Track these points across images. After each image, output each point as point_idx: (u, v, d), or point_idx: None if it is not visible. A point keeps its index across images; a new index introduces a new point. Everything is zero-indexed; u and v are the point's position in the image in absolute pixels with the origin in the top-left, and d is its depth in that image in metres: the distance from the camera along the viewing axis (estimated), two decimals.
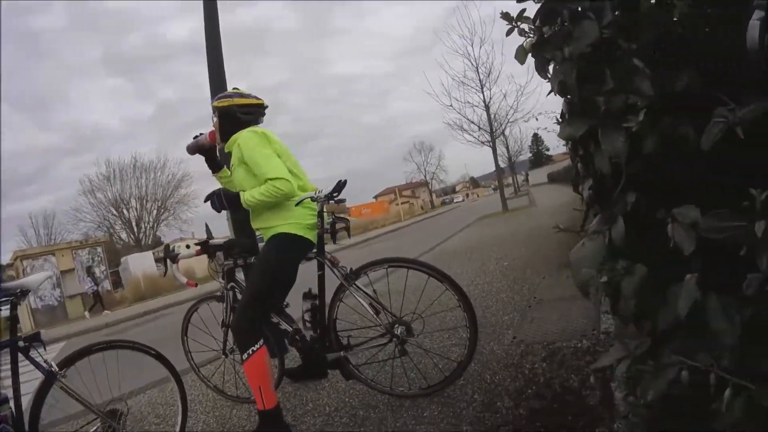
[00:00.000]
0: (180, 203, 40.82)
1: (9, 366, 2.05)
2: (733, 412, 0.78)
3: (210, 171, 2.87)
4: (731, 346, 0.78)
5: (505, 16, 1.27)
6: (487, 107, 17.28)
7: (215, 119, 2.67)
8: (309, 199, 2.46)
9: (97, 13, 77.21)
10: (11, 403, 2.03)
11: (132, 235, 39.95)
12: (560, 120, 1.31)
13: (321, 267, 2.55)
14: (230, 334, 2.74)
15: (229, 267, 2.82)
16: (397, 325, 2.47)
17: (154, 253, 19.57)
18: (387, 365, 2.79)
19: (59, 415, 2.32)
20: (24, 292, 2.11)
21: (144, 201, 40.17)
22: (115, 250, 35.40)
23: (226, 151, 2.65)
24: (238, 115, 2.61)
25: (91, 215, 38.42)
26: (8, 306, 2.09)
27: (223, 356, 3.02)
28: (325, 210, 2.50)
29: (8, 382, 2.05)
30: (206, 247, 2.80)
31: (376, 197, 74.73)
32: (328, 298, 2.60)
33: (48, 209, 59.67)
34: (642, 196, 0.98)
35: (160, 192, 40.54)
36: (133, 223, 39.97)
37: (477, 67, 16.80)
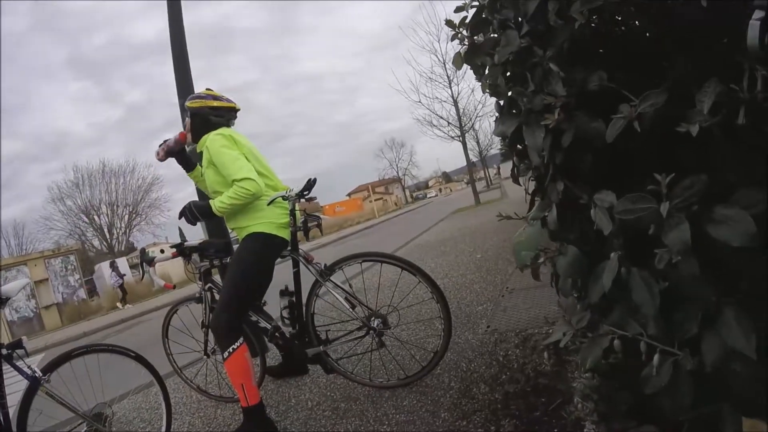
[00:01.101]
0: (152, 207, 40.28)
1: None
2: (661, 376, 0.89)
3: (184, 171, 2.91)
4: (653, 316, 0.89)
5: (449, 23, 1.37)
6: (455, 102, 17.55)
7: (187, 119, 2.73)
8: (280, 198, 2.51)
9: (59, 14, 75.14)
10: None
11: (105, 242, 39.21)
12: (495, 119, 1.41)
13: (296, 264, 2.61)
14: (211, 334, 2.79)
15: (206, 268, 2.87)
16: (373, 318, 2.55)
17: (128, 260, 19.34)
18: (366, 358, 2.88)
19: (47, 423, 2.34)
20: (2, 301, 2.14)
21: (115, 206, 39.46)
22: (88, 258, 34.76)
23: (198, 151, 2.70)
24: (209, 116, 2.67)
25: (62, 223, 37.57)
26: None
27: (204, 357, 3.07)
28: (297, 208, 2.56)
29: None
30: (181, 250, 2.83)
31: (349, 195, 74.78)
32: (304, 295, 2.67)
33: (17, 219, 58.42)
34: (569, 185, 1.09)
35: (130, 197, 39.89)
36: (105, 230, 39.22)
37: (444, 63, 17.03)
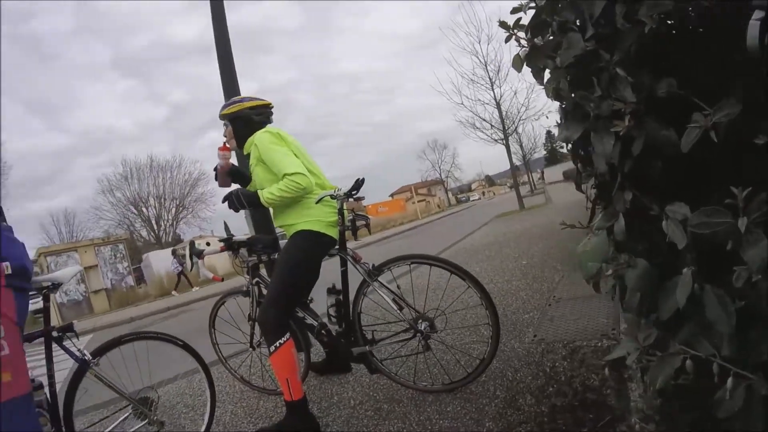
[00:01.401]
0: (198, 201, 41.57)
1: (43, 355, 2.17)
2: (735, 400, 0.85)
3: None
4: (728, 335, 0.85)
5: (503, 24, 1.33)
6: (498, 105, 17.18)
7: (227, 128, 2.78)
8: (329, 197, 2.53)
9: (103, 15, 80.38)
10: (46, 390, 2.15)
11: (152, 233, 40.73)
12: (558, 123, 1.38)
13: (344, 263, 2.62)
14: (257, 327, 2.84)
15: (254, 263, 2.92)
16: (420, 321, 2.53)
17: (173, 251, 20.01)
18: (410, 360, 2.88)
19: (92, 401, 2.43)
20: (55, 285, 2.23)
21: (162, 199, 40.99)
22: (136, 248, 36.10)
23: (244, 153, 2.75)
24: (251, 117, 2.72)
25: (111, 213, 39.53)
26: (39, 299, 2.21)
27: (250, 349, 3.13)
28: (345, 207, 2.57)
29: (42, 370, 2.15)
30: (230, 244, 2.90)
31: (392, 195, 74.74)
32: (352, 294, 2.68)
33: (68, 208, 61.34)
34: (638, 194, 1.06)
35: (177, 191, 41.34)
36: (153, 221, 40.76)
37: (486, 65, 16.74)
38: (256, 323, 2.83)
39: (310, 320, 2.73)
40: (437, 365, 2.80)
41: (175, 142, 79.18)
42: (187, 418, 3.21)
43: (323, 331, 2.68)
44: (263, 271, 3.11)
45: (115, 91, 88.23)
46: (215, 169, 2.84)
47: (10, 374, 1.69)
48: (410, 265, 2.64)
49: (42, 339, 2.16)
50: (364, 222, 2.67)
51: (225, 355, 3.47)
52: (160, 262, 23.09)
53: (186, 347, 2.61)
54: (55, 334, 2.21)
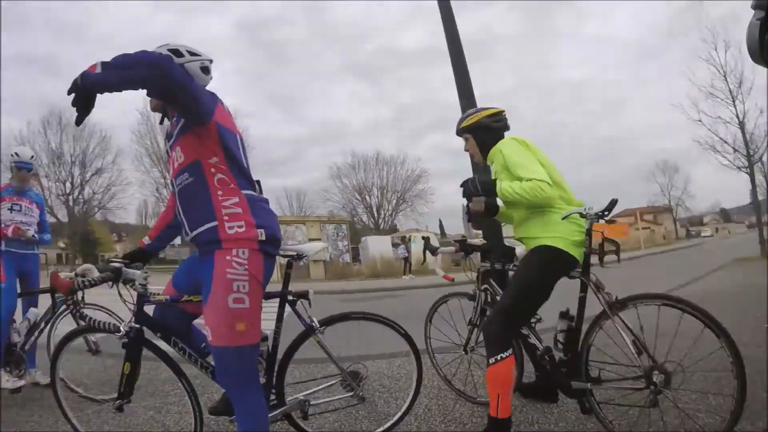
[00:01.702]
0: (417, 197, 44.04)
1: (276, 311, 2.42)
2: None
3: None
4: None
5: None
6: (741, 124, 14.40)
7: (469, 140, 2.75)
8: (577, 214, 2.37)
9: (332, 24, 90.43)
10: (269, 342, 2.40)
11: (372, 219, 44.41)
12: None
13: (584, 288, 2.43)
14: (475, 333, 2.80)
15: (486, 269, 2.88)
16: (656, 372, 2.22)
17: (402, 238, 21.73)
18: (631, 410, 2.56)
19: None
20: (299, 257, 2.48)
21: (384, 191, 44.38)
22: (355, 230, 39.63)
23: (489, 163, 2.70)
24: (490, 124, 2.67)
25: (338, 197, 44.76)
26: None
27: (462, 353, 3.10)
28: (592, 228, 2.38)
29: (271, 324, 2.39)
30: (464, 246, 2.89)
31: (613, 217, 68.65)
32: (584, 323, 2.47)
33: (300, 187, 71.65)
34: None
35: (399, 185, 44.31)
36: (374, 209, 44.28)
37: (725, 75, 14.28)
38: (475, 329, 2.79)
39: (533, 340, 2.60)
40: (660, 424, 2.43)
41: (399, 140, 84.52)
42: (381, 398, 3.31)
43: (546, 356, 2.53)
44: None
45: (348, 91, 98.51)
46: (467, 207, 2.76)
47: (245, 325, 1.91)
48: (659, 306, 2.32)
49: (278, 300, 2.42)
50: (613, 247, 2.44)
51: (434, 348, 3.48)
52: (377, 245, 24.95)
53: (407, 337, 2.65)
54: (290, 297, 2.44)
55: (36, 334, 3.69)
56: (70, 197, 39.21)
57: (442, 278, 2.96)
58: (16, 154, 4.01)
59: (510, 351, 2.35)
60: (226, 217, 1.93)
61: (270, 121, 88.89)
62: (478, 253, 3.01)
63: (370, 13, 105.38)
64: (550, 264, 2.41)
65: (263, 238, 1.97)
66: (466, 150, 2.81)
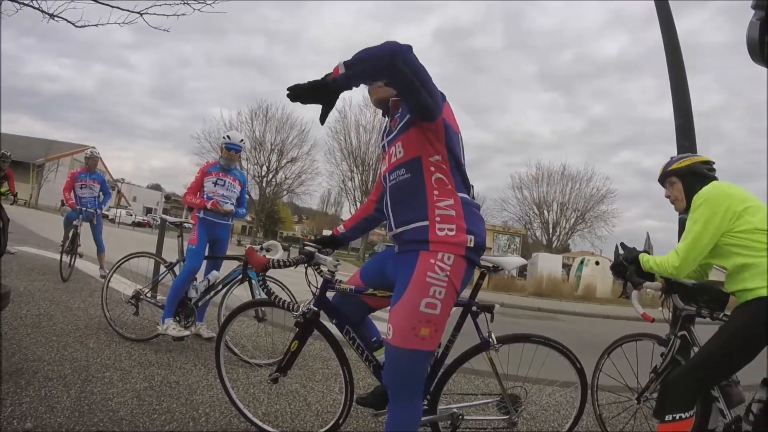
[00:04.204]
0: (598, 218, 40.86)
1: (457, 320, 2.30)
2: None
3: None
4: None
5: None
6: None
7: (675, 184, 2.49)
8: None
9: (530, 34, 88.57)
10: (440, 350, 2.27)
11: (546, 236, 42.34)
12: None
13: None
14: (655, 383, 2.50)
15: (689, 313, 2.49)
16: None
17: (563, 258, 20.41)
18: None
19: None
20: (496, 268, 2.31)
21: (565, 207, 41.85)
22: (526, 244, 38.24)
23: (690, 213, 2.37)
24: (704, 170, 2.42)
25: (515, 208, 42.99)
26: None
27: (635, 401, 2.76)
28: None
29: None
30: (671, 284, 2.54)
31: None
32: None
33: (477, 194, 72.18)
34: None
35: (581, 203, 41.41)
36: (550, 225, 42.20)
37: None
38: (658, 378, 2.43)
39: (721, 405, 2.22)
40: None
41: (588, 154, 79.39)
42: (525, 425, 3.13)
43: (733, 426, 2.16)
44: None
45: (538, 100, 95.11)
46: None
47: (429, 331, 1.83)
48: None
49: (461, 309, 2.31)
50: None
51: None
52: (547, 263, 23.64)
53: (580, 372, 2.46)
54: (474, 309, 2.33)
55: (212, 293, 4.15)
56: (264, 179, 43.57)
57: (641, 316, 2.56)
58: (228, 136, 4.49)
59: (692, 412, 2.07)
60: (437, 218, 1.86)
61: (461, 126, 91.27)
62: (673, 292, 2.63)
63: (568, 21, 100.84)
64: None
65: (471, 244, 1.87)
66: (667, 196, 2.58)
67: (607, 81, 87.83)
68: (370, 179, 38.60)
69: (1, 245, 2.45)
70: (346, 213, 53.26)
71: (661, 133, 70.32)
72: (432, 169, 1.90)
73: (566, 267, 26.14)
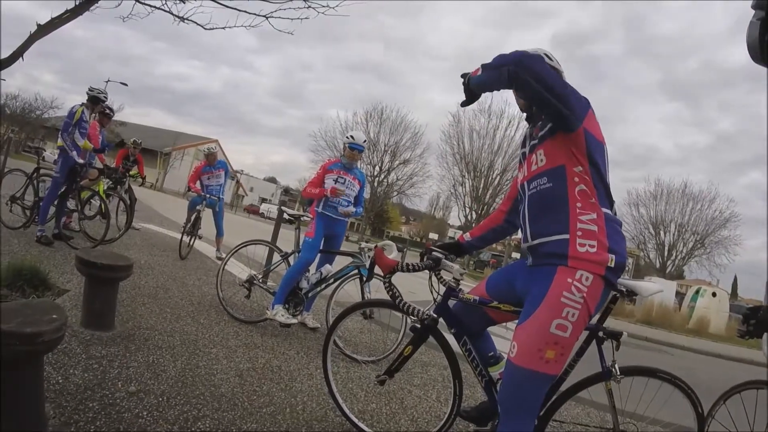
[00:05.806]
0: (718, 244, 37.31)
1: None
2: None
3: None
4: None
5: None
6: None
7: None
8: None
9: (653, 40, 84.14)
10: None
11: (660, 258, 39.33)
12: None
13: None
14: None
15: None
16: None
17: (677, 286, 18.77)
18: None
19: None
20: (629, 293, 2.12)
21: (683, 229, 38.63)
22: (638, 267, 35.77)
23: None
24: None
25: (630, 226, 40.14)
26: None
27: None
28: None
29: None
30: None
31: None
32: None
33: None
34: None
35: (702, 226, 37.99)
36: (666, 248, 39.16)
37: None
38: None
39: None
40: None
41: (712, 173, 72.89)
42: None
43: None
44: None
45: (661, 111, 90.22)
46: None
47: (555, 354, 1.72)
48: None
49: (587, 333, 2.14)
50: None
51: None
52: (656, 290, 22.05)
53: (700, 417, 2.21)
54: (601, 334, 2.16)
55: (323, 286, 4.28)
56: (376, 179, 44.54)
57: None
58: (352, 137, 4.58)
59: None
60: (579, 233, 1.76)
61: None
62: None
63: (694, 25, 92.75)
64: None
65: (612, 264, 1.75)
66: None
67: (735, 92, 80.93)
68: (481, 185, 38.13)
69: (128, 221, 2.65)
70: (454, 218, 52.98)
71: None
72: (576, 179, 1.80)
73: (679, 295, 24.16)
